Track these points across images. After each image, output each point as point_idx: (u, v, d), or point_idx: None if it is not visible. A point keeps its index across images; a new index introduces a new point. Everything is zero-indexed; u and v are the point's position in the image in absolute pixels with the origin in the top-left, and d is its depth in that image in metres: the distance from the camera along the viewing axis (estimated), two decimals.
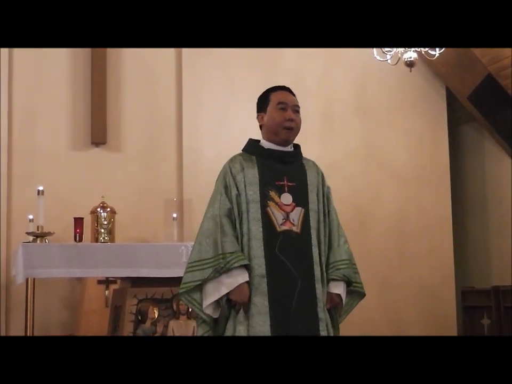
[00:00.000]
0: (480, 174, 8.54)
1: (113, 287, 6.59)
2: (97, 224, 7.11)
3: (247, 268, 2.85)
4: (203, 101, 7.77)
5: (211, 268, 2.82)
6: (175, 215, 7.26)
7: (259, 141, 3.12)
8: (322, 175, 3.10)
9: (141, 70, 7.73)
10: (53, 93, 7.50)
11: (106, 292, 6.94)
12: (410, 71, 6.83)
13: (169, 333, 5.23)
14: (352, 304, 3.15)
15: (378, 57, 6.71)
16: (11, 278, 6.89)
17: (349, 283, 3.05)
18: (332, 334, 2.91)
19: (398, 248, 8.19)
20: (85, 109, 7.58)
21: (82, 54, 7.53)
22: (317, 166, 3.12)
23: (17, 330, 7.10)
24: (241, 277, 2.82)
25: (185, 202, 7.58)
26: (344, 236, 3.11)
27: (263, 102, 3.12)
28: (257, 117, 3.14)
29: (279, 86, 3.14)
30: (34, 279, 6.84)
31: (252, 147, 3.08)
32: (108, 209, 7.17)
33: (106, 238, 7.09)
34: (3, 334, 7.16)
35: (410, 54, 6.58)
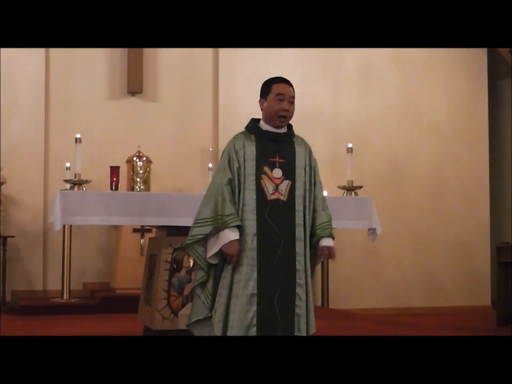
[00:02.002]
0: None
1: (148, 235, 6.66)
2: (133, 173, 7.16)
3: (240, 228, 3.44)
4: (239, 53, 7.71)
5: (211, 225, 3.44)
6: (210, 165, 7.27)
7: (259, 120, 3.60)
8: (310, 150, 3.63)
9: None
10: None
11: (142, 241, 7.03)
12: None
13: None
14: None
15: None
16: (48, 225, 7.01)
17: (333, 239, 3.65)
18: (309, 283, 3.49)
19: (434, 204, 8.13)
20: (121, 58, 7.58)
21: None
22: (305, 142, 3.64)
23: (54, 277, 7.24)
24: (233, 234, 3.41)
25: (220, 152, 7.58)
26: (326, 201, 3.65)
27: (265, 90, 3.59)
28: (259, 101, 3.61)
29: (280, 78, 3.58)
30: (71, 227, 6.94)
31: (252, 127, 3.60)
32: (144, 158, 7.21)
33: (142, 187, 7.15)
34: (40, 282, 7.30)
35: None
